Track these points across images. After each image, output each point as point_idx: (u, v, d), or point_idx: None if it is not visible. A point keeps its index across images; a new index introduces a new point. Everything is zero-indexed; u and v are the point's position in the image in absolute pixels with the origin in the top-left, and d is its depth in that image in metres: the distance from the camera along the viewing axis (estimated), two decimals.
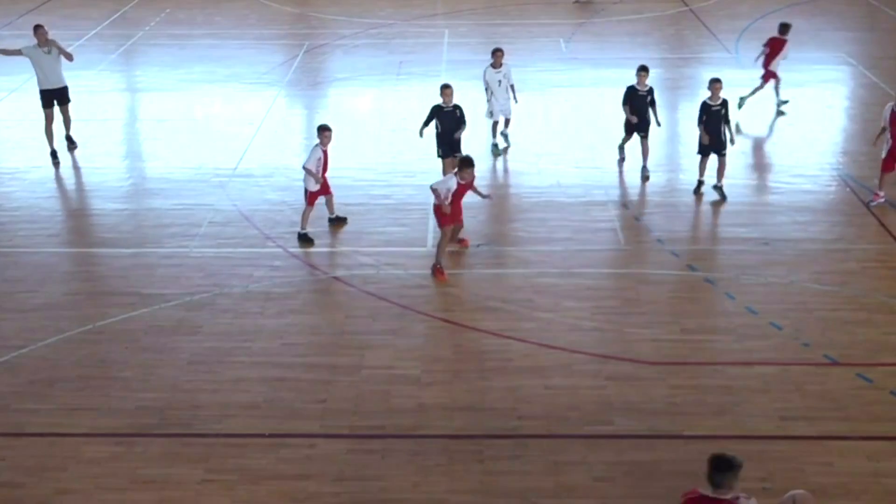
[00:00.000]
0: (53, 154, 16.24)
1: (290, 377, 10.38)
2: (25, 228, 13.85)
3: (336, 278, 12.38)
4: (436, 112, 14.33)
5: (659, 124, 15.40)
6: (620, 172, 15.42)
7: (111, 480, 8.89)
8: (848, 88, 19.72)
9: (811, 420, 9.60)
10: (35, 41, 16.02)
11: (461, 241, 13.17)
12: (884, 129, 14.08)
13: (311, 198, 13.27)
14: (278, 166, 15.83)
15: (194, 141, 17.11)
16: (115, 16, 25.24)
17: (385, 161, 15.45)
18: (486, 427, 9.56)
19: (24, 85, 19.64)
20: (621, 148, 15.73)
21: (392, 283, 12.30)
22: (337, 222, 13.74)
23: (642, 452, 9.09)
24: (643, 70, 15.08)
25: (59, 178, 15.58)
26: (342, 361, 10.64)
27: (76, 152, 16.49)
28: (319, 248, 13.15)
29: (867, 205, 14.08)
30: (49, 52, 16.01)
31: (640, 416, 9.70)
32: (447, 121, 14.20)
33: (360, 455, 9.19)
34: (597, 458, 9.07)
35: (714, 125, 14.25)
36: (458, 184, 12.15)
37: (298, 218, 13.55)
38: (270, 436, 9.47)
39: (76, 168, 15.93)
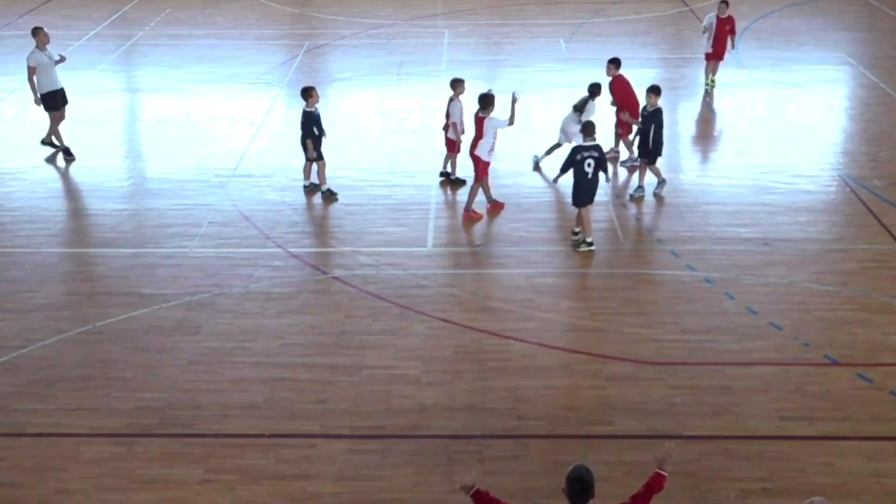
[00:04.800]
0: (67, 151, 16.19)
1: (290, 377, 10.38)
2: (25, 228, 13.85)
3: (336, 278, 12.37)
4: (307, 116, 14.37)
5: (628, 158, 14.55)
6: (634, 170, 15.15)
7: (111, 480, 8.89)
8: (848, 88, 19.71)
9: (811, 420, 9.60)
10: (36, 44, 15.87)
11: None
12: None
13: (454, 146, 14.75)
14: (278, 166, 15.82)
15: (194, 141, 17.10)
16: (116, 16, 25.23)
17: (385, 161, 15.43)
18: (486, 427, 9.56)
19: (23, 85, 19.61)
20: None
21: (392, 283, 12.29)
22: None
23: (642, 452, 9.07)
24: (648, 89, 14.24)
25: (59, 178, 15.57)
26: (342, 361, 10.64)
27: (77, 151, 16.46)
28: (319, 248, 13.15)
29: None
30: (49, 55, 15.95)
31: (640, 416, 9.70)
32: (318, 122, 14.45)
33: (360, 455, 9.19)
34: (597, 458, 9.03)
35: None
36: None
37: (298, 218, 13.60)
38: (270, 436, 9.47)
39: (76, 168, 15.91)
